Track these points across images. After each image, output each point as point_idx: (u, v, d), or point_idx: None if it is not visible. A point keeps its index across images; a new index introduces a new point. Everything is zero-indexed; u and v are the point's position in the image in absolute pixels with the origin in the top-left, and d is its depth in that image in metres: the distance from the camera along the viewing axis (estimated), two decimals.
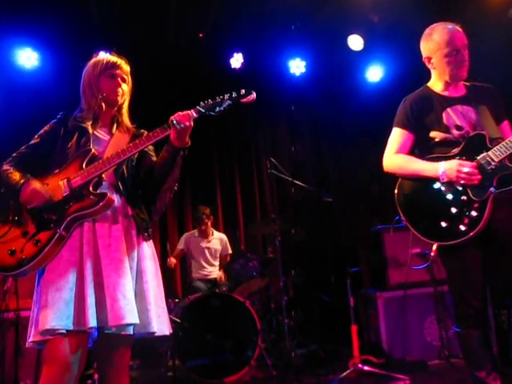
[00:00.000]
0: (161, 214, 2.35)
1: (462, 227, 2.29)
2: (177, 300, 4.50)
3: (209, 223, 5.33)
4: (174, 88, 5.60)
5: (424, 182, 2.44)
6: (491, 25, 4.73)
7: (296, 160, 6.33)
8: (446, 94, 2.55)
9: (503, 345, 3.51)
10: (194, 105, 2.21)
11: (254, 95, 2.12)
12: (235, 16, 5.20)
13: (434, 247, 2.48)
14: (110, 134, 2.28)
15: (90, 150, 2.14)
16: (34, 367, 3.59)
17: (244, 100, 2.11)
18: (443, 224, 2.34)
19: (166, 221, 6.04)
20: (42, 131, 2.25)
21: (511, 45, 4.61)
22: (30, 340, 1.96)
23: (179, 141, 2.12)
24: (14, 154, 2.21)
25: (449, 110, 2.49)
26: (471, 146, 2.39)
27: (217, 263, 5.36)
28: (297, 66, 5.93)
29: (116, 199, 2.12)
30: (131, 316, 1.94)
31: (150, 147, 2.28)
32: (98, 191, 2.08)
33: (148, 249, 2.18)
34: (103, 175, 2.12)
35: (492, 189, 2.28)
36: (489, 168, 2.31)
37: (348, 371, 3.88)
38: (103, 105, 2.24)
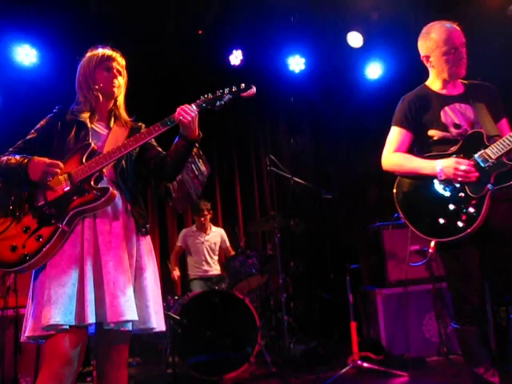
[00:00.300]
0: (180, 204, 2.36)
1: (460, 223, 2.30)
2: (176, 297, 4.51)
3: (208, 217, 5.34)
4: (173, 85, 5.59)
5: (422, 180, 2.45)
6: (491, 22, 4.72)
7: (295, 157, 6.33)
8: (444, 92, 2.56)
9: (502, 341, 3.52)
10: (194, 101, 2.21)
11: (254, 89, 2.13)
12: (234, 13, 5.19)
13: (433, 244, 2.50)
14: (108, 127, 2.28)
15: (90, 144, 2.14)
16: (33, 364, 3.59)
17: (244, 94, 2.12)
18: (441, 221, 2.35)
19: (164, 217, 6.05)
20: (38, 126, 2.24)
21: (510, 42, 4.60)
22: (27, 335, 1.95)
23: (189, 134, 2.14)
24: (11, 149, 2.20)
25: (447, 108, 2.50)
26: (469, 144, 2.40)
27: (215, 259, 5.36)
28: (296, 63, 5.92)
29: (116, 193, 2.12)
30: (130, 313, 1.95)
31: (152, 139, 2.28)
32: (100, 186, 2.08)
33: (146, 245, 2.19)
34: (103, 170, 2.12)
35: (489, 185, 2.29)
36: (486, 165, 2.32)
37: (347, 368, 3.89)
38: (100, 96, 2.24)
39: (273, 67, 5.86)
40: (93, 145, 2.14)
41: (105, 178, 2.13)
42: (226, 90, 2.13)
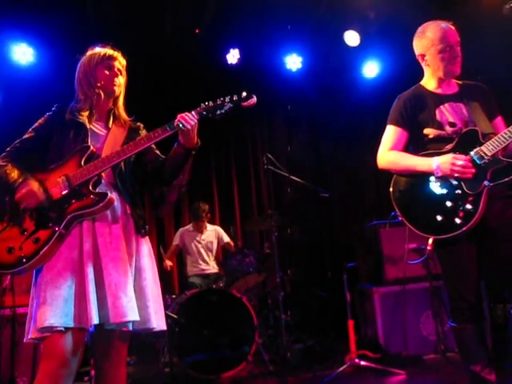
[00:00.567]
0: (171, 206, 2.36)
1: (458, 220, 2.31)
2: (174, 296, 4.51)
3: (205, 220, 5.35)
4: (170, 84, 5.59)
5: (418, 178, 2.46)
6: (488, 21, 4.73)
7: (292, 155, 6.33)
8: (438, 91, 2.58)
9: (498, 339, 3.53)
10: (191, 101, 2.21)
11: (254, 99, 2.13)
12: (231, 12, 5.18)
13: (430, 241, 2.50)
14: (107, 128, 2.27)
15: (89, 146, 2.13)
16: (30, 364, 3.59)
17: (245, 104, 2.12)
18: (439, 218, 2.36)
19: (162, 218, 6.03)
20: (36, 124, 2.23)
21: (507, 40, 4.61)
22: (29, 337, 1.96)
23: (188, 142, 2.13)
24: (8, 149, 2.19)
25: (442, 107, 2.52)
26: (464, 142, 2.41)
27: (212, 257, 5.37)
28: (293, 62, 5.91)
29: (114, 197, 2.12)
30: (132, 313, 1.96)
31: None
32: (98, 190, 2.07)
33: (145, 245, 2.19)
34: (102, 173, 2.12)
35: (486, 182, 2.30)
36: (482, 162, 2.33)
37: (345, 366, 3.90)
38: (101, 93, 2.23)
39: (270, 66, 5.86)
40: (92, 147, 2.13)
41: (103, 180, 2.13)
42: (227, 99, 2.12)
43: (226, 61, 5.68)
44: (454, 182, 2.36)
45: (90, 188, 2.06)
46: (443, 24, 2.54)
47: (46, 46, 5.08)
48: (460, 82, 2.63)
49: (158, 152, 2.32)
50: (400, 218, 2.50)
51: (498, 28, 4.64)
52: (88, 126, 2.19)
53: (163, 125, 2.14)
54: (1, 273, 2.33)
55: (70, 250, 2.00)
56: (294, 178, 4.70)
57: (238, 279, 4.57)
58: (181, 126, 2.07)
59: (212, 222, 5.66)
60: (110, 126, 2.27)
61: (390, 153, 2.58)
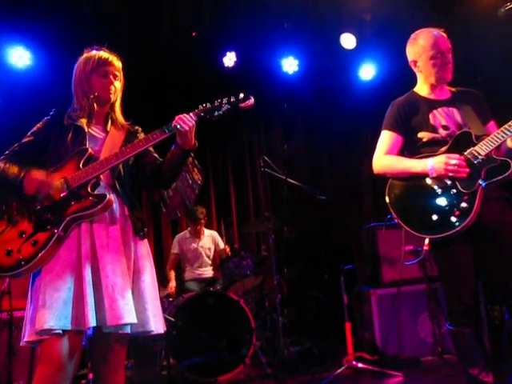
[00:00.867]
0: (174, 211, 2.36)
1: (453, 219, 2.32)
2: (171, 299, 4.50)
3: (203, 223, 5.34)
4: (167, 87, 5.59)
5: (413, 180, 2.49)
6: (483, 22, 4.75)
7: (289, 158, 6.34)
8: (431, 97, 2.62)
9: (495, 340, 3.54)
10: (188, 104, 2.21)
11: (252, 100, 2.13)
12: (228, 15, 5.19)
13: (427, 241, 2.52)
14: (105, 131, 2.27)
15: (87, 149, 2.13)
16: (27, 368, 3.58)
17: (242, 105, 2.13)
18: (434, 217, 2.37)
19: (159, 220, 6.03)
20: (34, 129, 2.23)
21: (503, 42, 4.63)
22: (26, 340, 1.95)
23: (185, 143, 2.13)
24: (7, 152, 2.18)
25: (435, 111, 2.56)
26: (458, 144, 2.45)
27: (210, 262, 5.36)
28: (290, 65, 5.92)
29: (113, 199, 2.11)
30: (130, 316, 1.95)
31: None
32: (96, 192, 2.07)
33: (143, 248, 2.19)
34: (100, 175, 2.12)
35: (480, 180, 2.32)
36: (476, 162, 2.35)
37: (342, 368, 3.90)
38: (95, 105, 2.23)
39: (266, 69, 5.87)
40: (90, 150, 2.13)
41: (102, 183, 2.13)
42: (225, 100, 2.12)
43: (223, 64, 5.69)
44: (449, 182, 2.39)
45: (89, 190, 2.06)
46: (435, 31, 2.59)
47: (42, 49, 5.07)
48: (453, 89, 2.67)
49: (155, 155, 2.32)
50: (396, 221, 2.51)
51: (494, 30, 4.67)
52: (86, 130, 2.19)
53: (159, 128, 2.14)
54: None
55: (69, 253, 1.99)
56: (290, 180, 4.71)
57: (236, 282, 4.57)
58: (178, 127, 2.08)
59: (209, 225, 5.65)
60: (109, 129, 2.27)
61: (385, 157, 2.61)
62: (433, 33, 2.58)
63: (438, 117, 2.54)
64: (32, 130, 2.23)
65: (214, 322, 4.06)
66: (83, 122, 2.19)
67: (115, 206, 2.12)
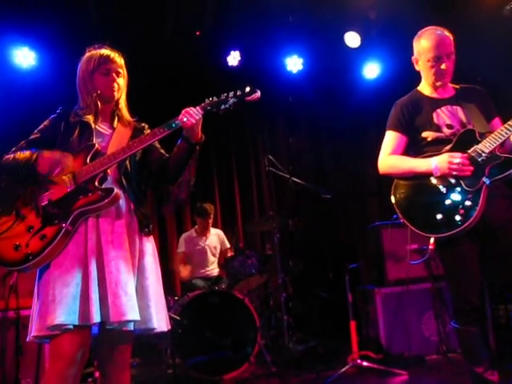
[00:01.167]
0: (179, 205, 2.36)
1: (458, 217, 2.32)
2: (176, 298, 4.51)
3: (211, 220, 5.34)
4: (171, 86, 5.60)
5: (418, 180, 2.49)
6: (489, 22, 4.74)
7: (294, 157, 6.33)
8: (435, 96, 2.62)
9: (501, 339, 3.53)
10: (192, 103, 2.22)
11: (258, 93, 2.13)
12: (232, 14, 5.20)
13: (432, 240, 2.51)
14: (112, 128, 2.28)
15: (94, 144, 2.14)
16: (34, 366, 3.59)
17: (249, 98, 2.13)
18: (439, 216, 2.37)
19: (164, 218, 6.04)
20: (41, 126, 2.24)
21: (506, 41, 4.62)
22: (33, 334, 1.96)
23: (192, 137, 2.14)
24: (14, 149, 2.19)
25: (438, 110, 2.56)
26: (462, 142, 2.44)
27: (216, 261, 5.37)
28: (294, 64, 5.92)
29: (120, 194, 2.12)
30: (132, 313, 1.95)
31: None
32: (104, 186, 2.08)
33: (149, 245, 2.19)
34: (108, 170, 2.12)
35: (484, 178, 2.32)
36: (480, 159, 2.35)
37: (347, 367, 3.90)
38: (99, 103, 2.24)
39: (271, 68, 5.87)
40: (97, 145, 2.14)
41: (109, 178, 2.14)
42: (231, 94, 2.13)
43: (227, 63, 5.69)
44: (453, 181, 2.39)
45: (96, 184, 2.07)
46: (439, 31, 2.55)
47: (47, 50, 5.09)
48: (457, 86, 2.66)
49: (162, 151, 2.33)
50: (401, 220, 2.51)
51: (498, 29, 4.65)
52: (93, 126, 2.20)
53: (165, 122, 2.15)
54: (8, 270, 2.33)
55: (77, 248, 2.00)
56: (295, 179, 4.71)
57: (240, 281, 4.57)
58: (185, 120, 2.09)
59: (214, 224, 5.66)
60: (115, 125, 2.28)
61: (390, 157, 2.61)
62: (436, 34, 2.54)
63: (442, 116, 2.54)
64: (39, 128, 2.24)
65: (219, 321, 4.07)
66: (90, 118, 2.21)
67: (121, 201, 2.13)
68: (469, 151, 2.39)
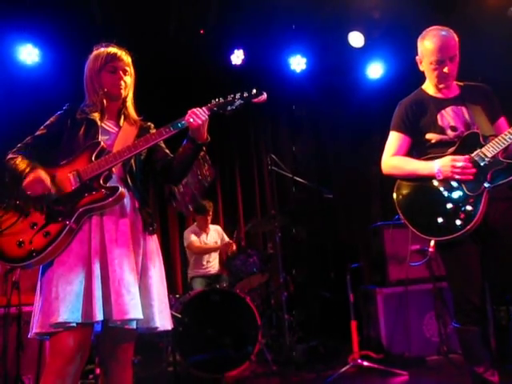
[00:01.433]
0: (186, 206, 2.36)
1: (459, 222, 2.32)
2: (177, 295, 4.52)
3: (210, 217, 5.35)
4: (174, 84, 5.60)
5: (421, 182, 2.49)
6: (491, 22, 4.73)
7: (296, 156, 6.34)
8: (439, 96, 2.60)
9: (502, 340, 3.53)
10: (196, 101, 2.22)
11: (265, 96, 2.15)
12: (236, 12, 5.20)
13: (432, 243, 2.52)
14: (118, 126, 2.28)
15: (99, 142, 2.14)
16: (35, 362, 3.60)
17: (255, 100, 2.14)
18: (440, 220, 2.37)
19: (166, 217, 6.05)
20: (48, 122, 2.24)
21: (508, 42, 4.61)
22: (35, 331, 1.96)
23: (198, 137, 2.14)
24: (19, 145, 2.20)
25: (443, 111, 2.54)
26: (465, 145, 2.43)
27: (216, 258, 5.37)
28: (297, 63, 5.92)
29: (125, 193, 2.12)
30: (135, 311, 1.95)
31: None
32: (108, 185, 2.08)
33: (153, 243, 2.20)
34: (113, 169, 2.12)
35: (486, 183, 2.31)
36: (482, 164, 2.35)
37: (347, 366, 3.91)
38: (105, 101, 2.24)
39: (274, 67, 5.87)
40: (102, 143, 2.14)
41: (114, 177, 2.14)
42: (238, 95, 2.13)
43: (231, 61, 5.69)
44: (455, 184, 2.38)
45: (101, 182, 2.07)
46: (444, 32, 2.51)
47: (51, 47, 5.10)
48: (461, 84, 2.64)
49: (167, 151, 2.33)
50: (403, 221, 2.51)
51: (500, 29, 4.65)
52: (99, 124, 2.20)
53: (171, 122, 2.15)
54: (11, 266, 2.33)
55: (81, 246, 2.00)
56: (297, 178, 4.71)
57: (242, 279, 4.58)
58: (192, 120, 2.09)
59: (216, 223, 5.67)
60: (121, 124, 2.28)
61: (393, 158, 2.61)
62: (440, 36, 2.49)
63: (447, 117, 2.53)
64: (45, 124, 2.24)
65: (220, 319, 4.08)
66: (96, 116, 2.21)
67: (126, 200, 2.13)
68: (472, 155, 2.38)
